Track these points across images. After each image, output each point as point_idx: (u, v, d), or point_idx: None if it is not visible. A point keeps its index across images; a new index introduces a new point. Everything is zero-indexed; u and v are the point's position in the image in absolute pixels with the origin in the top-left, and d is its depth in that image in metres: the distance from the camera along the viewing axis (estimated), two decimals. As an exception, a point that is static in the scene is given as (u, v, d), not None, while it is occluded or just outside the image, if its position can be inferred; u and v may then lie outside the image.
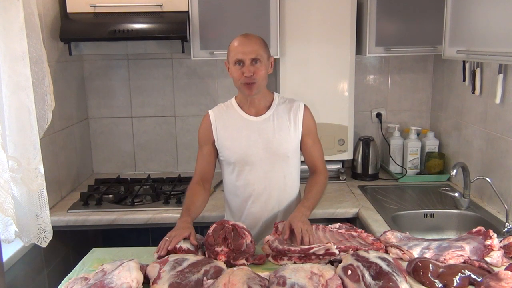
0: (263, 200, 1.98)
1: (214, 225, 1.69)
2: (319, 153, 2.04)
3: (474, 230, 1.71)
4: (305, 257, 1.60)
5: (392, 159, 2.87)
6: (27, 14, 1.92)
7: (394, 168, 2.87)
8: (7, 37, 1.80)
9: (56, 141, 2.49)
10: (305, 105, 2.01)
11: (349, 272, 1.42)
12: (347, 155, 2.76)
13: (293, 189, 2.04)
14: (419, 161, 2.82)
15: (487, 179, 2.08)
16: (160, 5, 2.48)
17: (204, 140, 2.00)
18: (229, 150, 1.96)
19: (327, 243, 1.60)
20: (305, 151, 2.03)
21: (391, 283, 1.33)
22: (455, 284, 1.41)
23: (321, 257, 1.58)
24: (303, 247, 1.60)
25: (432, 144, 2.81)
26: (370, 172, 2.79)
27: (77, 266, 1.67)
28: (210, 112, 2.00)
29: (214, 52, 2.53)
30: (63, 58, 2.59)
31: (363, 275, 1.39)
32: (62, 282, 1.55)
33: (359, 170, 2.81)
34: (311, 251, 1.58)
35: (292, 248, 1.60)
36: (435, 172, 2.74)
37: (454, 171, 2.13)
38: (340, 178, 2.78)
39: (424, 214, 2.28)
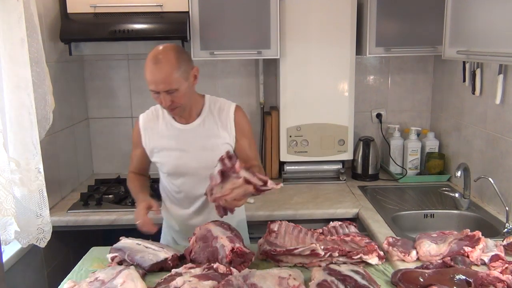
0: (206, 210, 1.92)
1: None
2: (254, 153, 1.95)
3: (469, 233, 1.70)
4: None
5: (392, 159, 2.86)
6: (28, 15, 1.92)
7: (394, 168, 2.86)
8: (8, 37, 1.80)
9: (56, 141, 2.49)
10: (237, 105, 1.92)
11: None
12: (347, 156, 2.76)
13: None
14: (419, 161, 2.82)
15: (490, 179, 2.07)
16: (160, 5, 2.48)
17: (136, 143, 1.95)
18: (159, 162, 1.90)
19: (311, 244, 1.59)
20: (240, 153, 1.90)
21: None
22: None
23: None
24: (288, 247, 1.60)
25: (432, 144, 2.81)
26: (370, 172, 2.79)
27: (76, 266, 1.68)
28: (140, 117, 1.93)
29: (215, 53, 2.53)
30: (63, 58, 2.59)
31: None
32: (62, 283, 1.55)
33: (359, 170, 2.81)
34: (296, 251, 1.57)
35: (278, 249, 1.60)
36: (435, 173, 2.74)
37: (459, 172, 2.13)
38: (340, 178, 2.78)
39: (424, 215, 2.27)
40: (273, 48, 2.53)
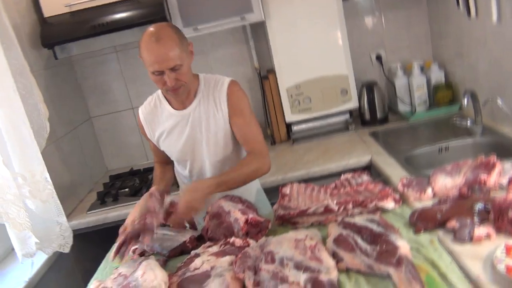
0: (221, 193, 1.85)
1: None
2: (253, 133, 1.81)
3: (484, 159, 1.64)
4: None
5: (399, 99, 2.79)
6: (1, 28, 1.89)
7: (403, 108, 2.79)
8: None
9: (62, 147, 2.49)
10: (231, 80, 1.81)
11: (341, 242, 1.33)
12: (353, 104, 2.70)
13: None
14: (427, 95, 2.74)
15: (498, 100, 2.01)
16: (134, -9, 2.42)
17: (146, 137, 1.94)
18: (167, 150, 1.89)
19: (323, 200, 1.57)
20: (236, 132, 1.81)
21: (389, 245, 1.24)
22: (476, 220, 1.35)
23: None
24: (301, 209, 1.58)
25: (437, 76, 2.72)
26: (379, 117, 2.73)
27: (101, 265, 1.70)
28: (140, 111, 1.89)
29: (198, 27, 2.47)
30: (51, 63, 2.57)
31: (356, 242, 1.31)
32: (88, 283, 1.56)
33: (367, 116, 2.75)
34: (310, 211, 1.55)
35: (291, 212, 1.58)
36: (445, 104, 2.67)
37: (465, 99, 2.07)
38: (349, 128, 2.73)
39: (439, 150, 2.22)
40: (256, 10, 2.46)
